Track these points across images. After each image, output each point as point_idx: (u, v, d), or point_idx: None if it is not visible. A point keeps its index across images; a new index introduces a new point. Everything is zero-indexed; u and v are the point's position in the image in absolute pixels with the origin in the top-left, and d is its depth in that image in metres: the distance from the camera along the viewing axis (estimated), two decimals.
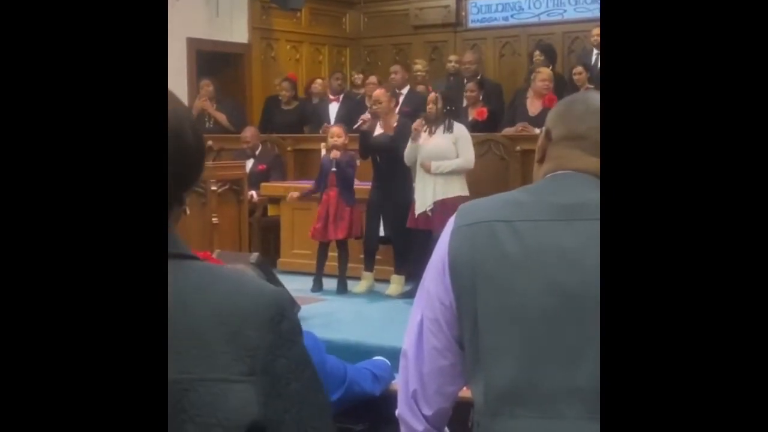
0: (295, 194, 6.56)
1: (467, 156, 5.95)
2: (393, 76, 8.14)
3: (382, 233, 6.31)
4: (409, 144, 5.96)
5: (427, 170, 5.87)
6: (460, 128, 6.02)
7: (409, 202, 6.04)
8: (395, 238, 6.24)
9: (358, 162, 6.43)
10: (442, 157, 5.88)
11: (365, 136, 6.28)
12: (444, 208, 5.74)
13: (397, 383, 1.69)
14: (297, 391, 1.07)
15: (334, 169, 6.18)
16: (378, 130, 6.30)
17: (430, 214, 5.87)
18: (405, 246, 6.17)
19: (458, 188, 5.91)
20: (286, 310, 1.08)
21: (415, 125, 5.96)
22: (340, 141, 6.22)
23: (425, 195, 5.92)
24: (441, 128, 5.95)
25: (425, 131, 5.94)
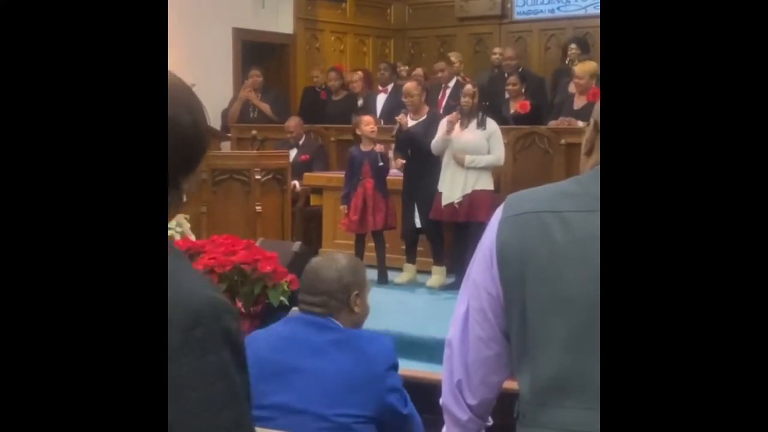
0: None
1: (499, 153, 5.97)
2: (440, 74, 8.40)
3: (418, 225, 6.31)
4: (441, 135, 5.94)
5: (461, 163, 5.86)
6: (492, 124, 6.01)
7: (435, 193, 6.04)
8: (427, 229, 6.24)
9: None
10: (476, 151, 5.88)
11: (399, 131, 6.30)
12: (472, 200, 5.76)
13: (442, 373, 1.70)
14: (197, 402, 1.03)
15: (381, 163, 6.17)
16: (410, 123, 6.31)
17: (457, 206, 5.87)
18: (437, 236, 6.18)
19: (486, 182, 5.93)
20: (203, 317, 1.04)
21: (449, 118, 5.95)
22: (377, 129, 6.22)
23: (453, 187, 5.91)
24: (474, 122, 5.94)
25: (459, 124, 5.93)
